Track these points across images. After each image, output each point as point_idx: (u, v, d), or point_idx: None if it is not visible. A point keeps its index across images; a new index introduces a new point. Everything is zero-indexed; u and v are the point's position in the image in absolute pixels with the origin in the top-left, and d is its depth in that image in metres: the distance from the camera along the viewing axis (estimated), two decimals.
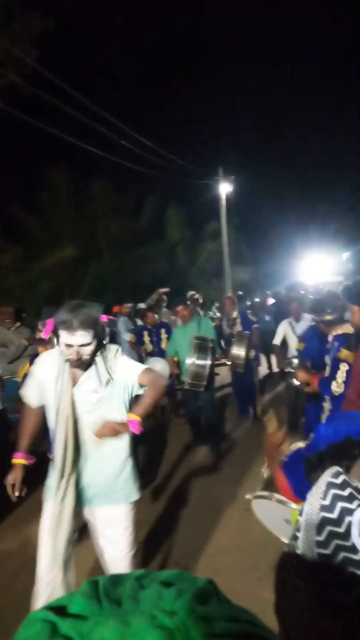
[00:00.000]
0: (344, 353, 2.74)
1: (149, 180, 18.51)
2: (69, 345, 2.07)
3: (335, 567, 1.02)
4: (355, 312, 2.45)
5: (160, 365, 5.82)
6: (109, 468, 2.26)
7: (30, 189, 17.34)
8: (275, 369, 8.47)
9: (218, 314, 7.19)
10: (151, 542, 3.29)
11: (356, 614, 0.63)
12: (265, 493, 2.20)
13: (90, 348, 2.11)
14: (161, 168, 16.09)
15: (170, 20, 30.21)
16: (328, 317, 3.58)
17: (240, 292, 12.30)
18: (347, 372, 2.67)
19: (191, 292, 9.11)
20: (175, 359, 5.25)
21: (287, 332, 5.71)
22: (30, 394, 2.35)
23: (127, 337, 6.58)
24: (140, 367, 2.29)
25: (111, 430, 2.09)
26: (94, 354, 2.17)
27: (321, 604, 0.92)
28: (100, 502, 2.26)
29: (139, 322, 7.06)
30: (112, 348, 2.31)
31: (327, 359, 2.92)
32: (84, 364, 2.16)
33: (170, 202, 20.47)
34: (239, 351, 5.77)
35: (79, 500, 2.22)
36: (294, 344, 5.43)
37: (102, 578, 0.52)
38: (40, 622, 0.45)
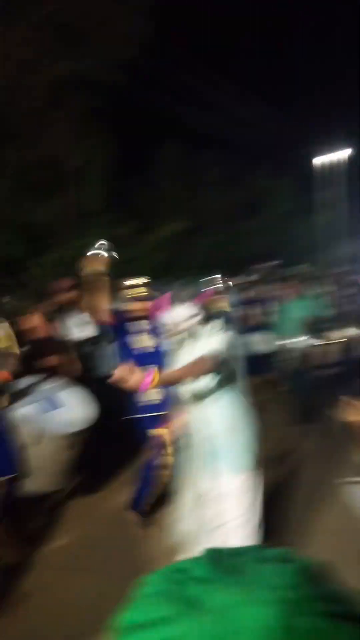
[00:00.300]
0: None
1: (259, 151, 18.06)
2: (178, 319, 2.38)
3: None
4: None
5: (259, 339, 5.82)
6: (212, 435, 2.35)
7: (144, 164, 17.79)
8: None
9: (325, 290, 6.91)
10: None
11: None
12: (356, 479, 2.15)
13: (193, 321, 2.39)
14: (272, 137, 15.58)
15: None
16: None
17: (349, 267, 11.54)
18: None
19: (297, 268, 8.84)
20: (278, 336, 5.20)
21: None
22: None
23: (232, 310, 6.59)
24: (207, 349, 2.28)
25: (122, 375, 2.12)
26: (197, 327, 2.42)
27: None
28: (207, 469, 2.36)
29: (244, 296, 7.01)
30: (214, 324, 2.48)
31: None
32: (190, 336, 2.42)
33: (280, 173, 19.81)
34: (342, 332, 5.57)
35: (197, 468, 2.40)
36: None
37: (222, 549, 0.58)
38: (167, 582, 0.49)
